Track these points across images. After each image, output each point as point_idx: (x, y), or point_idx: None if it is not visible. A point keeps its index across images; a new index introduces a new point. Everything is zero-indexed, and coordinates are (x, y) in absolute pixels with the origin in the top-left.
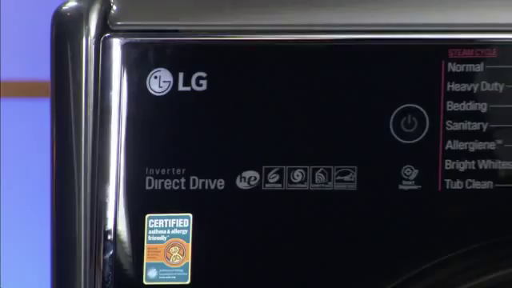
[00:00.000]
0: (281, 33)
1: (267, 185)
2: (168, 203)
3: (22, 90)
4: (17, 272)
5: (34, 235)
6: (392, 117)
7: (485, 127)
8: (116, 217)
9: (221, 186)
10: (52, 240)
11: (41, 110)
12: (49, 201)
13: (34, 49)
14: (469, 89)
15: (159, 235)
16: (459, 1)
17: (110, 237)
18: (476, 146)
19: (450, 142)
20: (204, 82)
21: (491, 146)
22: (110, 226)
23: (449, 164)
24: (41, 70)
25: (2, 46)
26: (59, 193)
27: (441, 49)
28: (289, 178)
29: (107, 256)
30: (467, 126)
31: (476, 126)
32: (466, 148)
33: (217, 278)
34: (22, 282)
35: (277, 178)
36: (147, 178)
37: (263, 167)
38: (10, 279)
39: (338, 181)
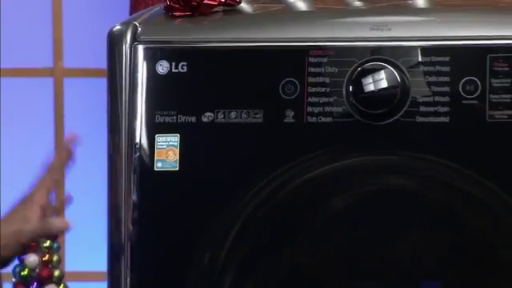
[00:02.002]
0: (223, 42)
1: (217, 120)
2: (167, 129)
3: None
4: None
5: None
6: (281, 85)
7: (328, 90)
8: (140, 135)
9: (193, 120)
10: (108, 148)
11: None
12: (106, 131)
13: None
14: (319, 70)
15: (162, 145)
16: (317, 24)
17: (137, 146)
18: (323, 100)
19: (310, 97)
20: (185, 67)
21: (331, 100)
22: (137, 139)
23: (309, 109)
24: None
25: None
26: (112, 126)
27: (306, 50)
28: (228, 116)
29: (136, 156)
30: (319, 89)
31: (323, 89)
32: (318, 101)
33: (192, 166)
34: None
35: (222, 116)
36: (156, 116)
37: (215, 110)
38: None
39: (253, 117)
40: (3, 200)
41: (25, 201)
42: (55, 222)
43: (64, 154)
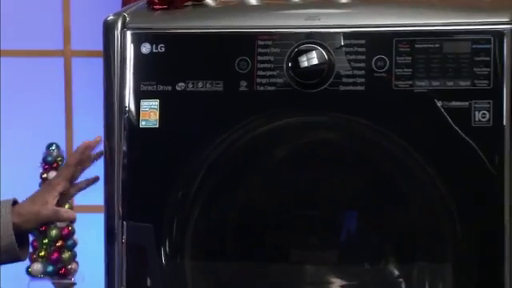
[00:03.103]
0: (192, 29)
1: (187, 88)
2: (149, 95)
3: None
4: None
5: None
6: (236, 61)
7: (272, 66)
8: (129, 101)
9: (169, 89)
10: (104, 111)
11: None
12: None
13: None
14: (266, 51)
15: (146, 108)
16: (264, 15)
17: (126, 108)
18: (269, 73)
19: (258, 71)
20: (163, 48)
21: (275, 73)
22: (126, 104)
23: (258, 80)
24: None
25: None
26: (107, 94)
27: (256, 35)
28: (196, 85)
29: (125, 116)
30: (265, 65)
31: (268, 65)
32: (265, 74)
33: (169, 124)
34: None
35: (191, 85)
36: (140, 85)
37: (186, 81)
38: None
39: (215, 86)
40: (17, 165)
41: (47, 186)
42: (64, 214)
43: (80, 156)
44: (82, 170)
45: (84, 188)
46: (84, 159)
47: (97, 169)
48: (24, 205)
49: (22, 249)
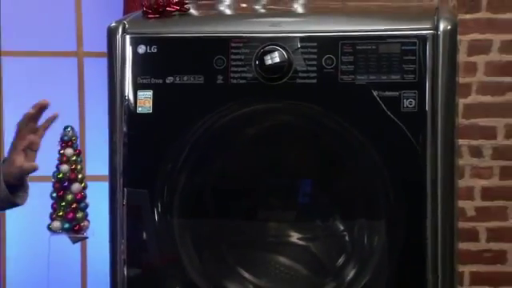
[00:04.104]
0: (179, 33)
1: (175, 81)
2: (144, 87)
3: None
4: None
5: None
6: (214, 60)
7: (243, 63)
8: (128, 91)
9: (160, 82)
10: (109, 100)
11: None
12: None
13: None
14: (238, 51)
15: (141, 97)
16: (237, 22)
17: (126, 97)
18: (240, 69)
19: (232, 68)
20: (155, 49)
21: (245, 69)
22: (126, 94)
23: (232, 75)
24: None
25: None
26: (111, 87)
27: (230, 38)
28: (182, 79)
29: (125, 104)
30: (238, 63)
31: (240, 63)
32: (237, 70)
33: (160, 110)
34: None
35: (178, 79)
36: (137, 79)
37: (174, 75)
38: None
39: (197, 80)
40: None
41: (12, 149)
42: (28, 167)
43: (34, 111)
44: (37, 119)
45: (48, 126)
46: (34, 117)
47: (102, 147)
48: (4, 166)
49: (19, 196)
